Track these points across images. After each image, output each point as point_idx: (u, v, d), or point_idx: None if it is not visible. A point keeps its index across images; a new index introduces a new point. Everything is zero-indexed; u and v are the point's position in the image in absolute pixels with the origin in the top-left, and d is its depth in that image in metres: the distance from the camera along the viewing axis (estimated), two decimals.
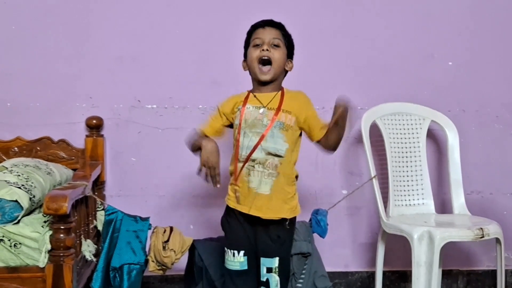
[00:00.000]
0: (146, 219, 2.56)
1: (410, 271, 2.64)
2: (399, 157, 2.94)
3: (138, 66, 3.01)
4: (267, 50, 2.12)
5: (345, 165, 3.15)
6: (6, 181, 2.34)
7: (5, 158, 2.86)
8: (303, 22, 3.03)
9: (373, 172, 2.83)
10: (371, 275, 3.12)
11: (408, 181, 2.94)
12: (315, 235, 2.63)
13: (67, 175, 2.78)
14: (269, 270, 2.13)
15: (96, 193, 2.79)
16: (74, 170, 2.86)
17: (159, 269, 2.52)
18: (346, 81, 3.12)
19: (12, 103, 2.96)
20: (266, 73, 2.13)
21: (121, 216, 2.54)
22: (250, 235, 2.16)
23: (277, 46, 2.15)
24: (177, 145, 3.00)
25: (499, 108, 3.20)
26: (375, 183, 2.83)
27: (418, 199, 2.95)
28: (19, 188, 2.32)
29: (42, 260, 2.19)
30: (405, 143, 2.97)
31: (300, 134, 2.20)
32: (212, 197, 2.93)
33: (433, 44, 3.15)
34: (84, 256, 2.43)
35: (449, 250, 2.90)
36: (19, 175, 2.41)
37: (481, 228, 2.59)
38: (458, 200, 2.95)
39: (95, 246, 2.54)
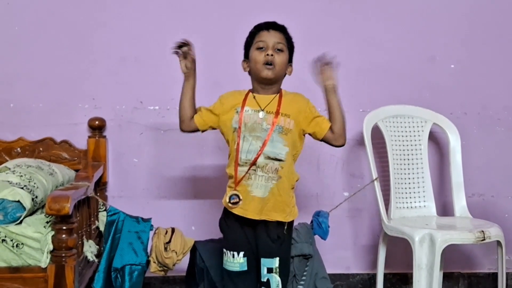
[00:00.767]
0: (148, 220, 2.56)
1: (411, 274, 2.64)
2: (400, 159, 2.94)
3: (140, 68, 3.02)
4: (272, 55, 2.12)
5: (346, 167, 3.15)
6: (8, 181, 2.35)
7: (7, 158, 2.87)
8: (305, 24, 3.04)
9: (374, 175, 2.83)
10: (372, 277, 3.12)
11: (409, 183, 2.95)
12: (317, 237, 2.63)
13: (69, 176, 2.78)
14: (270, 270, 2.14)
15: (98, 194, 2.79)
16: (77, 171, 2.86)
17: (160, 270, 2.52)
18: (348, 83, 3.10)
19: (15, 103, 2.97)
20: (269, 70, 2.13)
21: (123, 217, 2.54)
22: (250, 236, 2.16)
23: (280, 50, 2.15)
24: (179, 146, 3.03)
25: (501, 111, 3.20)
26: (377, 186, 2.83)
27: (419, 202, 2.95)
28: (22, 188, 2.33)
29: (44, 260, 2.20)
30: (407, 145, 2.97)
31: (302, 136, 2.21)
32: (213, 198, 2.94)
33: (435, 47, 3.15)
34: (86, 257, 2.43)
35: (450, 253, 2.90)
36: (21, 176, 2.42)
37: (482, 231, 2.59)
38: (460, 202, 2.95)
39: (97, 246, 2.54)
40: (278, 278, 2.14)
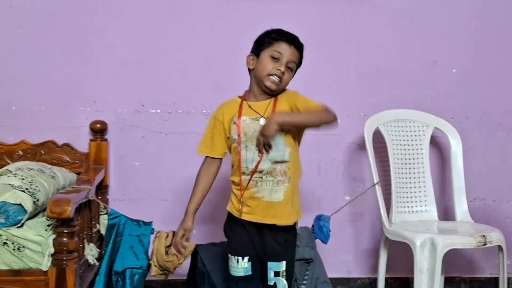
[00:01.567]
0: (149, 223, 2.56)
1: (412, 278, 2.64)
2: (402, 163, 2.94)
3: (142, 71, 3.02)
4: (283, 72, 2.09)
5: (348, 171, 3.15)
6: (10, 184, 2.35)
7: (9, 161, 2.87)
8: (307, 28, 3.02)
9: (376, 179, 2.83)
10: (373, 282, 3.12)
11: (411, 187, 2.95)
12: (318, 241, 2.63)
13: (70, 179, 2.78)
14: (277, 274, 2.14)
15: (99, 197, 2.79)
16: (78, 174, 2.86)
17: (161, 274, 2.52)
18: (349, 87, 3.13)
19: (16, 106, 2.98)
20: (273, 83, 2.10)
21: (124, 220, 2.55)
22: (255, 240, 2.15)
23: (290, 68, 2.12)
24: (181, 150, 3.03)
25: (503, 115, 3.20)
26: (378, 190, 2.83)
27: (420, 206, 2.95)
28: (23, 191, 2.33)
29: (45, 263, 2.20)
30: (408, 149, 2.97)
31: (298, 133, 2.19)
32: (215, 202, 2.93)
33: (437, 51, 3.15)
34: (87, 260, 2.43)
35: (452, 257, 2.90)
36: (23, 179, 2.42)
37: (484, 236, 2.58)
38: (461, 207, 2.95)
39: (98, 250, 2.54)
40: (285, 282, 2.14)
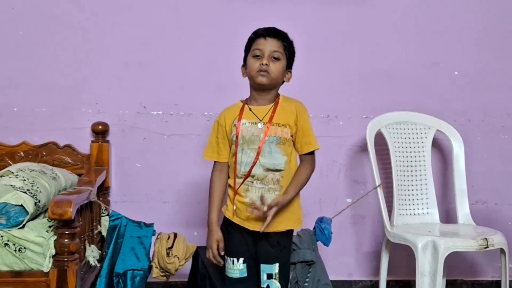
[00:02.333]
0: (150, 225, 2.56)
1: (414, 281, 2.63)
2: (404, 166, 2.94)
3: (144, 73, 3.02)
4: (266, 64, 2.10)
5: (349, 173, 3.14)
6: (11, 185, 2.35)
7: (11, 162, 2.87)
8: (308, 30, 3.04)
9: (377, 181, 2.83)
10: (375, 284, 3.11)
11: (412, 190, 2.94)
12: (319, 243, 2.63)
13: (72, 180, 2.78)
14: (270, 276, 2.14)
15: (100, 199, 2.79)
16: (79, 175, 2.86)
17: (162, 276, 2.52)
18: (351, 89, 3.13)
19: (18, 108, 2.98)
20: (263, 76, 2.11)
21: (126, 222, 2.54)
22: (249, 242, 2.16)
23: (277, 58, 2.12)
24: (182, 152, 3.03)
25: (505, 118, 3.20)
26: (380, 192, 2.82)
27: (422, 209, 2.94)
28: (25, 192, 2.32)
29: (46, 264, 2.20)
30: (410, 152, 2.96)
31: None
32: None
33: (439, 54, 3.15)
34: (88, 262, 2.43)
35: (453, 260, 2.89)
36: (24, 180, 2.42)
37: (486, 238, 2.58)
38: (463, 210, 2.94)
39: (99, 251, 2.54)
40: (278, 284, 2.14)
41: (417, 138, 2.99)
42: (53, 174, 2.64)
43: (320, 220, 2.65)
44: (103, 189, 2.91)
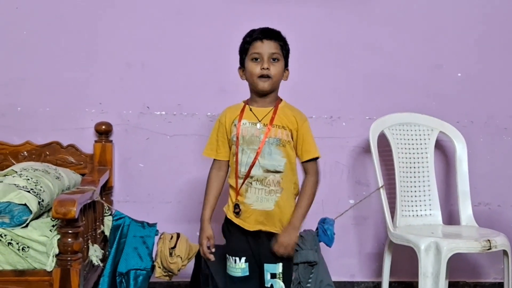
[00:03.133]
0: (153, 225, 2.56)
1: (417, 282, 2.63)
2: (406, 167, 2.94)
3: (147, 73, 3.03)
4: (267, 68, 2.10)
5: (352, 174, 3.15)
6: (15, 184, 2.35)
7: (14, 162, 2.88)
8: (311, 32, 3.05)
9: (380, 182, 2.83)
10: (377, 286, 3.11)
11: (415, 191, 2.94)
12: (322, 244, 2.63)
13: (75, 180, 2.79)
14: (273, 275, 2.15)
15: (103, 199, 2.79)
16: (83, 175, 2.87)
17: (165, 275, 2.52)
18: (354, 90, 3.13)
19: (22, 107, 2.98)
20: (265, 82, 2.12)
21: (129, 221, 2.54)
22: (251, 242, 2.17)
23: (276, 59, 2.13)
24: (185, 152, 3.04)
25: (508, 120, 3.20)
26: (383, 193, 2.82)
27: (425, 210, 2.94)
28: (28, 192, 2.33)
29: (49, 264, 2.20)
30: (413, 153, 2.96)
31: None
32: (219, 204, 2.93)
33: (442, 55, 3.15)
34: (91, 261, 2.43)
35: (456, 262, 2.89)
36: (28, 179, 2.42)
37: (489, 240, 2.58)
38: (466, 211, 2.94)
39: (102, 251, 2.54)
40: (282, 284, 2.15)
41: (420, 139, 2.99)
42: (56, 174, 2.65)
43: (323, 221, 2.64)
44: (106, 189, 2.92)
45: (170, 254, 2.48)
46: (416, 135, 2.99)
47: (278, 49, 2.14)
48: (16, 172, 2.50)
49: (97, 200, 2.51)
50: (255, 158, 2.11)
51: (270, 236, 2.14)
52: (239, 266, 2.16)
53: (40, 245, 2.22)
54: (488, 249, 2.57)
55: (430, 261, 2.58)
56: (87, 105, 3.01)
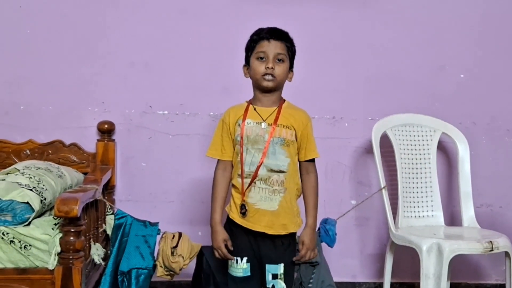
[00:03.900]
0: (155, 224, 2.57)
1: (418, 283, 2.63)
2: (409, 168, 2.94)
3: (150, 72, 3.03)
4: (272, 68, 2.10)
5: (354, 175, 3.14)
6: (18, 183, 2.36)
7: (17, 160, 2.88)
8: (314, 32, 3.05)
9: (382, 183, 2.83)
10: (379, 286, 3.11)
11: (417, 192, 2.94)
12: (324, 245, 2.63)
13: (78, 179, 2.79)
14: (275, 276, 2.14)
15: (106, 197, 2.80)
16: (85, 174, 2.87)
17: (167, 275, 2.52)
18: (357, 91, 3.13)
19: (25, 106, 2.99)
20: (269, 81, 2.12)
21: (131, 220, 2.55)
22: (253, 242, 2.16)
23: (281, 60, 2.13)
24: (187, 151, 3.04)
25: (510, 121, 3.19)
26: (385, 194, 2.82)
27: (427, 211, 2.94)
28: (31, 190, 2.33)
29: (51, 262, 2.20)
30: (416, 154, 2.96)
31: None
32: None
33: (445, 56, 3.15)
34: (93, 260, 2.43)
35: (458, 263, 2.89)
36: (30, 178, 2.43)
37: (491, 241, 2.57)
38: (468, 212, 2.94)
39: (104, 250, 2.54)
40: (284, 284, 2.14)
41: (423, 140, 2.99)
42: (59, 172, 2.65)
43: (325, 222, 2.65)
44: (109, 188, 2.92)
45: (172, 253, 2.49)
46: (418, 136, 2.99)
47: (284, 50, 2.14)
48: (19, 170, 2.50)
49: (99, 199, 2.52)
50: (262, 158, 2.11)
51: (272, 237, 2.14)
52: (241, 266, 2.16)
53: (42, 244, 2.22)
54: (490, 251, 2.56)
55: (432, 262, 2.58)
56: (90, 104, 3.02)
